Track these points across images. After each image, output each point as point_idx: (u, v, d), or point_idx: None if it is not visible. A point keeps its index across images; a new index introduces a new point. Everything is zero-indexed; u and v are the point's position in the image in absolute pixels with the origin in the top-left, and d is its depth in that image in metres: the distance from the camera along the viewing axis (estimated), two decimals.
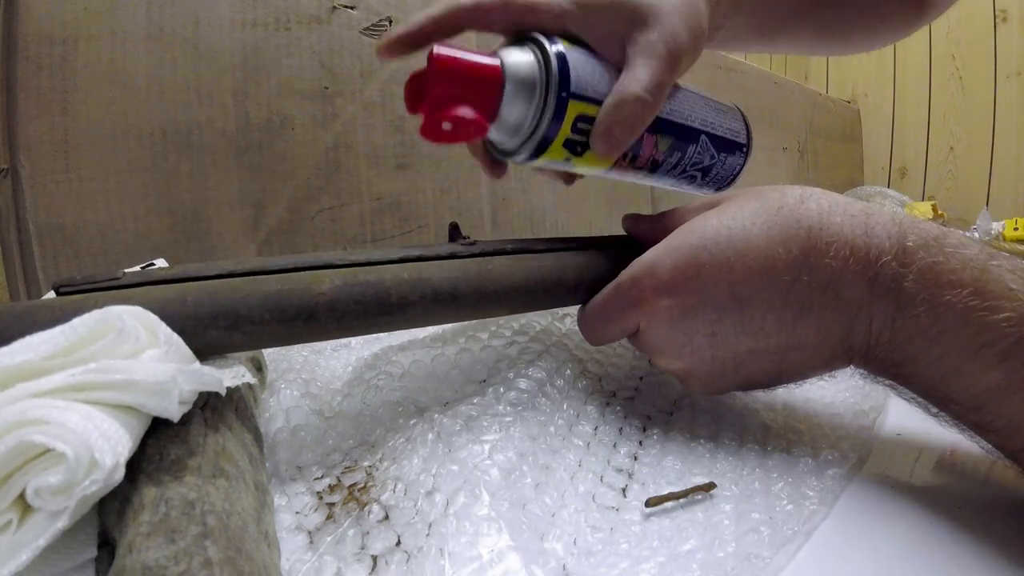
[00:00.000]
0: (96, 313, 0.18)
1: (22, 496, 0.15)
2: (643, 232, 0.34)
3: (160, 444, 0.18)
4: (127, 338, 0.18)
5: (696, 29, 0.30)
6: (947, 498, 0.25)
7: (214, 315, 0.22)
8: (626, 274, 0.29)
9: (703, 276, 0.26)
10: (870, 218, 0.25)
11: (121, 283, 0.22)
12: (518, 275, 0.29)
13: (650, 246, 0.29)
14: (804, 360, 0.27)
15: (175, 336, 0.20)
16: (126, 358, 0.18)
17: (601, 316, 0.30)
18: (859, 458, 0.28)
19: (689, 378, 0.30)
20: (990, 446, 0.24)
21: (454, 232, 0.32)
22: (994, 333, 0.22)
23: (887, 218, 0.25)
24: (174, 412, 0.18)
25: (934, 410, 0.25)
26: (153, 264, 0.24)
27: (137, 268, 0.24)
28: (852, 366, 0.27)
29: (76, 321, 0.18)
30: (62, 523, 0.15)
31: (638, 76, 0.28)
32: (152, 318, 0.20)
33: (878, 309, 0.24)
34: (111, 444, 0.16)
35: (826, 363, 0.27)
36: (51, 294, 0.22)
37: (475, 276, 0.28)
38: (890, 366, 0.25)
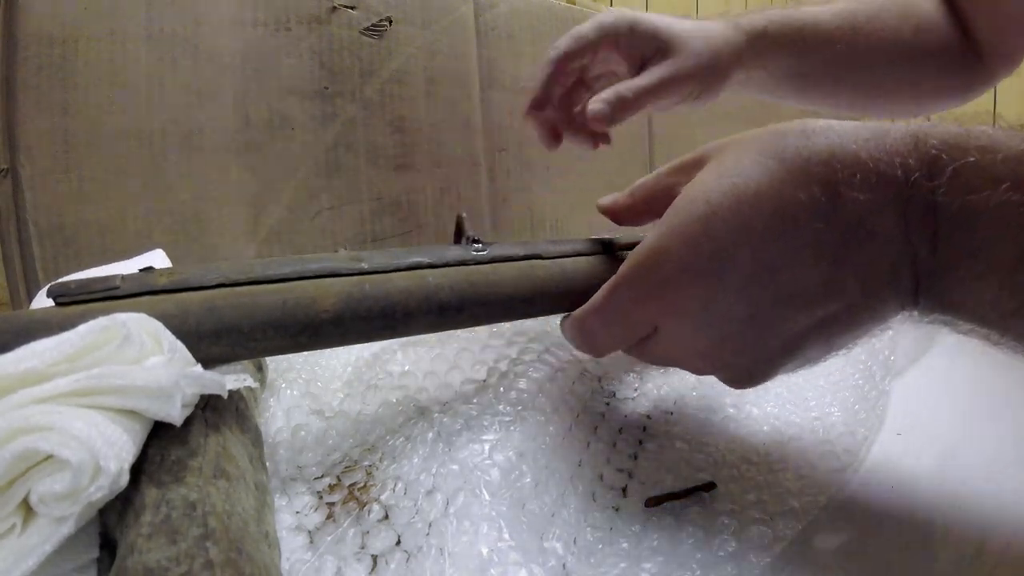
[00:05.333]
0: (101, 320, 0.18)
1: (26, 500, 0.16)
2: (625, 215, 0.30)
3: (161, 445, 0.18)
4: (132, 345, 0.18)
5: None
6: (947, 498, 0.25)
7: (217, 332, 0.22)
8: (628, 268, 0.25)
9: (723, 250, 0.23)
10: (887, 136, 0.22)
11: (119, 293, 0.22)
12: (525, 286, 0.28)
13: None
14: (853, 318, 0.23)
15: (179, 342, 0.20)
16: (130, 364, 0.18)
17: (602, 320, 0.26)
18: (859, 457, 0.28)
19: (735, 376, 0.25)
20: None
21: (460, 226, 0.32)
22: None
23: (901, 131, 0.22)
24: (177, 416, 0.18)
25: (995, 338, 0.21)
26: (152, 268, 0.24)
27: (135, 269, 0.24)
28: (904, 310, 0.23)
29: (81, 328, 0.18)
30: (67, 529, 0.15)
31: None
32: (156, 324, 0.20)
33: (917, 238, 0.21)
34: (115, 450, 0.16)
35: (876, 314, 0.23)
36: (44, 295, 0.22)
37: (482, 288, 0.27)
38: (940, 301, 0.22)
